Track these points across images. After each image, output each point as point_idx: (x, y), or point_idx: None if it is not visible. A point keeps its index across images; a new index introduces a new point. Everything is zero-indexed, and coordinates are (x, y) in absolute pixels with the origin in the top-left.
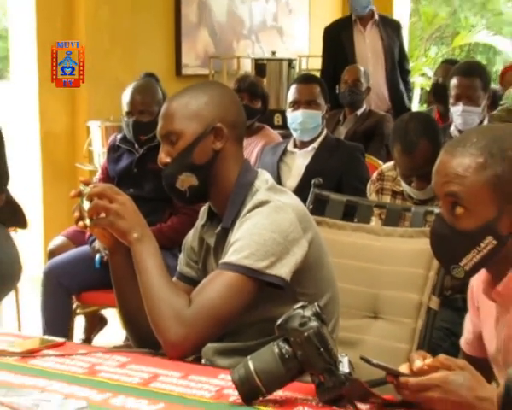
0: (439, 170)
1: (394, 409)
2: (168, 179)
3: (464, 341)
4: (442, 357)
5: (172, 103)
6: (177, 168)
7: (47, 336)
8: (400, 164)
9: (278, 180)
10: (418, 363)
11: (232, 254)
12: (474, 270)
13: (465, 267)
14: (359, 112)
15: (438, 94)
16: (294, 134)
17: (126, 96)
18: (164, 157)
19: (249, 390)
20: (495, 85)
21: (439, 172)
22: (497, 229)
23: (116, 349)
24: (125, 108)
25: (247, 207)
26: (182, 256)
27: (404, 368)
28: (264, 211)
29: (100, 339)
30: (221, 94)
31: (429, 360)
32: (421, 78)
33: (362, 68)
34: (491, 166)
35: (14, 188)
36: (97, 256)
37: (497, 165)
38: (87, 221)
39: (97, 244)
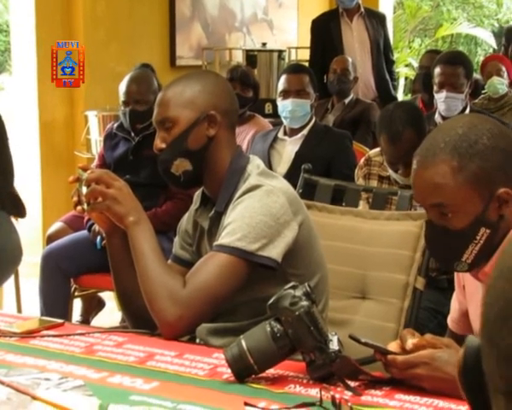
0: (417, 184)
1: (383, 386)
2: (163, 164)
3: (451, 319)
4: (428, 336)
5: (167, 91)
6: (171, 154)
7: (46, 318)
8: (387, 152)
9: (269, 167)
10: (410, 342)
11: (225, 237)
12: (477, 261)
13: (467, 261)
14: (347, 100)
15: (426, 83)
16: (285, 122)
17: (123, 87)
18: (159, 143)
19: (242, 368)
20: (476, 75)
21: (418, 186)
22: (488, 218)
23: (113, 329)
24: (121, 97)
25: (240, 191)
26: (176, 239)
27: (392, 346)
28: (256, 195)
29: (97, 321)
30: (214, 83)
31: (416, 339)
32: (406, 68)
33: (350, 59)
34: (465, 165)
35: (15, 175)
36: (98, 238)
37: (471, 162)
38: (85, 206)
39: (97, 226)
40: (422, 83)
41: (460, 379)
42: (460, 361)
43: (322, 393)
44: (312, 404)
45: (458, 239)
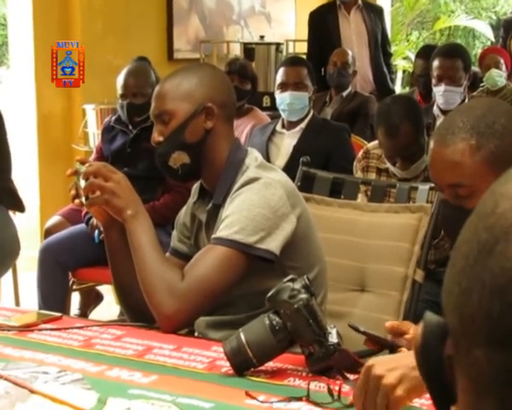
0: (435, 162)
1: None
2: (161, 158)
3: None
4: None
5: (165, 84)
6: (169, 147)
7: (44, 311)
8: (384, 146)
9: (267, 160)
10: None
11: (223, 230)
12: None
13: None
14: (345, 93)
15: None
16: (283, 115)
17: (120, 80)
18: (157, 136)
19: (241, 361)
20: (474, 68)
21: (436, 165)
22: None
23: (111, 323)
24: (119, 90)
25: (238, 183)
26: (174, 232)
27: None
28: (254, 187)
29: (95, 315)
30: (211, 75)
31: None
32: (404, 61)
33: (350, 52)
34: (483, 144)
35: (13, 169)
36: (96, 232)
37: (489, 141)
38: (83, 199)
39: (95, 220)
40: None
41: (417, 359)
42: (418, 340)
43: (321, 384)
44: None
45: None
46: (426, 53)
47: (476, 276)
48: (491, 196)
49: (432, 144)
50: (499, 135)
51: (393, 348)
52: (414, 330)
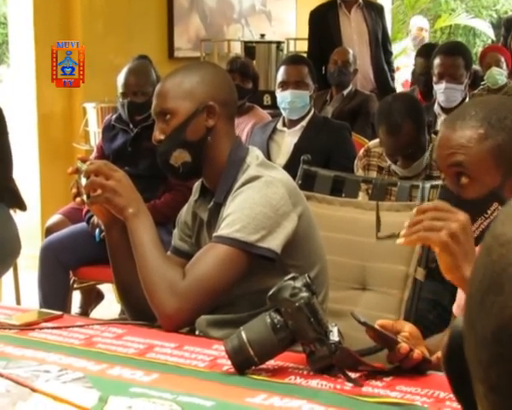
0: (442, 144)
1: (384, 377)
2: (162, 156)
3: (457, 306)
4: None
5: (166, 83)
6: (170, 145)
7: (45, 310)
8: (385, 144)
9: (268, 158)
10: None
11: (224, 228)
12: (483, 237)
13: (474, 234)
14: (346, 92)
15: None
16: (283, 113)
17: (121, 78)
18: (158, 135)
19: (242, 360)
20: (475, 66)
21: (442, 146)
22: (502, 195)
23: (113, 321)
24: (120, 89)
25: (239, 182)
26: (176, 231)
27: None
28: (255, 186)
29: (96, 313)
30: (213, 73)
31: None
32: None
33: (351, 50)
34: (491, 136)
35: (14, 168)
36: (97, 231)
37: (497, 134)
38: (84, 197)
39: (96, 219)
40: (423, 86)
41: (444, 365)
42: (445, 346)
43: (323, 383)
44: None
45: (470, 209)
46: (426, 52)
47: (472, 324)
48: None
49: (441, 129)
50: (508, 130)
51: (392, 343)
52: (409, 328)
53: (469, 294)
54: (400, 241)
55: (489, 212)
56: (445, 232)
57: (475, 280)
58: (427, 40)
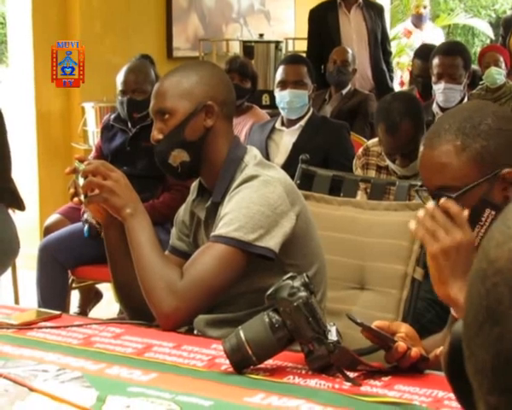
0: (424, 165)
1: (382, 376)
2: (161, 155)
3: None
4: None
5: (164, 82)
6: (169, 145)
7: (43, 309)
8: (384, 143)
9: (266, 157)
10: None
11: (222, 228)
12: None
13: (474, 244)
14: (344, 91)
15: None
16: (282, 113)
17: (120, 76)
18: (156, 134)
19: (240, 359)
20: (474, 66)
21: (425, 167)
22: (493, 199)
23: (111, 321)
24: (119, 87)
25: (237, 181)
26: (174, 230)
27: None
28: (253, 185)
29: (94, 313)
30: (211, 73)
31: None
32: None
33: (350, 50)
34: (468, 145)
35: (13, 168)
36: (86, 226)
37: (474, 142)
38: (82, 197)
39: (86, 215)
40: (421, 87)
41: (445, 368)
42: (445, 349)
43: (322, 383)
44: None
45: None
46: (424, 53)
47: (471, 350)
48: None
49: (421, 148)
50: (485, 135)
51: (389, 343)
52: (405, 329)
53: (466, 322)
54: (412, 226)
55: (483, 219)
56: (437, 246)
57: (471, 309)
58: (427, 16)
